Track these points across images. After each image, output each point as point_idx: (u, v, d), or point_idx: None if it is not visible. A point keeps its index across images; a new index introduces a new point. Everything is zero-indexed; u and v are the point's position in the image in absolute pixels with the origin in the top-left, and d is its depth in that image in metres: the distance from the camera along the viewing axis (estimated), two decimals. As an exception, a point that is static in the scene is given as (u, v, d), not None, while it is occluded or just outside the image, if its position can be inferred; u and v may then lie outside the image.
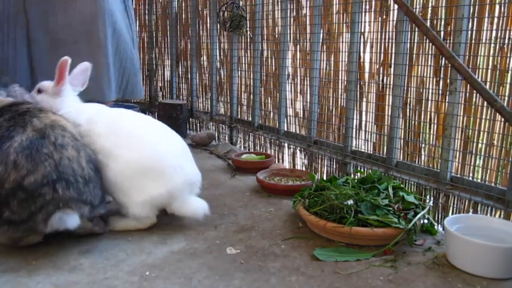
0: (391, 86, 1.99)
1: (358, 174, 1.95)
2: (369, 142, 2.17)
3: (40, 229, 1.36)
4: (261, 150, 2.84)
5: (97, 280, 1.29)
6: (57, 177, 1.36)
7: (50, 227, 1.35)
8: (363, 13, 2.10)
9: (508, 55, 1.62)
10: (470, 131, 1.75)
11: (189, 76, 3.47)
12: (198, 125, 3.48)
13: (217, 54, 3.17)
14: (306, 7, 2.46)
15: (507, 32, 1.62)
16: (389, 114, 2.00)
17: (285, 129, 2.65)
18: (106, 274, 1.32)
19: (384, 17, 2.05)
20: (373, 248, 1.49)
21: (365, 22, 2.11)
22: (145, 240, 1.55)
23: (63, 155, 1.40)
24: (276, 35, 2.68)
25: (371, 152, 2.14)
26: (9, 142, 1.37)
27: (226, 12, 2.80)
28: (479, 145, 1.74)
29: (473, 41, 1.71)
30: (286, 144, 2.66)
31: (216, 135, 3.21)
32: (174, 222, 1.70)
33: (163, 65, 3.78)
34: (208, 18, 3.22)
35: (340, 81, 2.28)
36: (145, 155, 1.57)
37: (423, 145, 1.95)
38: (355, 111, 2.19)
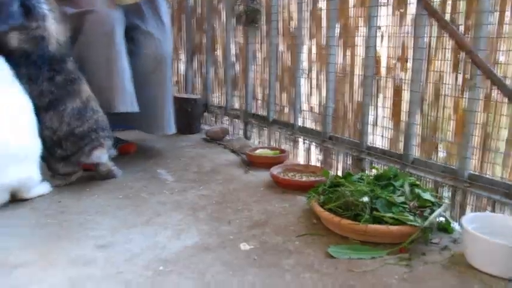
0: (409, 81, 1.97)
1: (374, 170, 1.92)
2: (385, 138, 2.14)
3: (83, 160, 2.00)
4: (276, 145, 2.83)
5: (111, 274, 1.29)
6: (97, 127, 2.00)
7: (91, 160, 2.01)
8: (380, 7, 2.07)
9: (530, 50, 1.58)
10: (490, 127, 1.72)
11: (204, 70, 3.47)
12: (213, 119, 3.48)
13: (232, 48, 3.16)
14: (322, 1, 2.43)
15: (529, 26, 1.58)
16: (406, 110, 1.97)
17: (300, 124, 2.63)
18: (120, 268, 1.33)
19: (402, 10, 2.01)
20: (388, 246, 1.47)
21: (382, 16, 2.07)
22: (159, 235, 1.55)
23: (99, 116, 2.04)
24: (292, 29, 2.65)
25: (387, 148, 2.11)
26: (63, 106, 1.94)
27: (241, 6, 2.79)
28: (499, 142, 1.70)
29: (494, 36, 1.67)
30: (300, 140, 2.65)
31: (231, 129, 3.20)
32: (188, 218, 1.70)
33: (178, 59, 3.78)
34: (223, 12, 3.20)
35: (356, 76, 2.25)
36: None
37: (440, 142, 1.92)
38: (371, 106, 2.17)
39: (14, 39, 1.88)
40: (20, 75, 1.88)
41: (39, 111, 1.91)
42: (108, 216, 1.71)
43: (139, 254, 1.41)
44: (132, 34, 2.33)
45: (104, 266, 1.34)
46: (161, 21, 2.44)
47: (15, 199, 1.81)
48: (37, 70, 1.91)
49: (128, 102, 2.21)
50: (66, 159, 1.97)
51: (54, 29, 1.96)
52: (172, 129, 2.56)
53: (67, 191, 1.96)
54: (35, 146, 1.84)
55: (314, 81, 2.55)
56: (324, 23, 2.41)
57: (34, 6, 1.90)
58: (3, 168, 1.70)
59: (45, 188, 1.92)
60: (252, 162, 2.41)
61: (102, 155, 2.04)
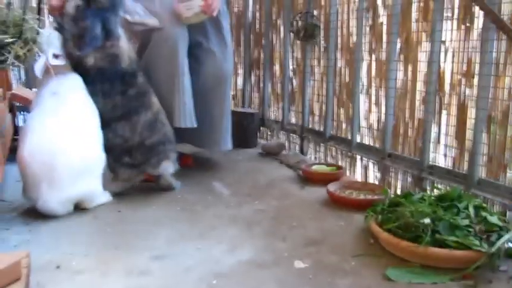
0: (475, 98, 1.88)
1: (436, 190, 1.84)
2: (448, 157, 2.05)
3: (149, 171, 2.08)
4: (332, 161, 2.78)
5: (166, 285, 1.31)
6: (165, 140, 2.09)
7: (157, 171, 2.10)
8: (444, 21, 2.00)
9: None
10: None
11: (261, 85, 3.49)
12: (269, 134, 3.49)
13: (290, 63, 3.16)
14: (383, 16, 2.38)
15: None
16: (472, 127, 1.88)
17: (358, 140, 2.58)
18: (175, 280, 1.34)
19: (468, 24, 1.93)
20: (450, 271, 1.39)
21: (446, 30, 2.00)
22: (214, 248, 1.56)
23: (167, 129, 2.13)
24: (351, 45, 2.62)
25: (450, 168, 2.02)
26: (137, 117, 2.04)
27: (300, 21, 2.79)
28: None
29: None
30: (358, 157, 2.59)
31: (287, 144, 3.19)
32: (242, 233, 1.70)
33: (236, 74, 3.83)
34: (281, 27, 3.22)
35: (417, 92, 2.18)
36: None
37: (509, 162, 1.81)
38: (434, 123, 2.08)
39: (91, 58, 1.98)
40: (95, 91, 1.98)
41: (111, 120, 2.01)
42: (165, 227, 1.74)
43: (193, 267, 1.42)
44: (194, 51, 2.39)
45: (159, 277, 1.36)
46: (224, 40, 2.50)
47: (79, 207, 1.88)
48: (111, 85, 2.02)
49: (187, 118, 2.27)
50: (132, 167, 2.06)
51: (126, 47, 2.07)
52: (228, 145, 2.59)
53: (126, 201, 2.02)
54: (100, 161, 1.92)
55: (373, 97, 2.49)
56: (384, 38, 2.36)
57: (113, 29, 2.01)
58: (70, 182, 1.79)
59: (106, 197, 1.99)
60: (308, 178, 2.38)
61: (168, 167, 2.11)
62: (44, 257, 1.47)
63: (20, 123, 3.34)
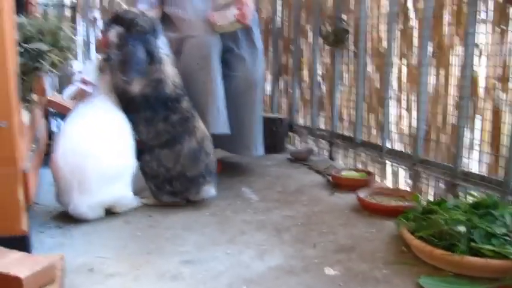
0: (510, 103, 1.82)
1: (470, 198, 1.79)
2: (482, 163, 1.99)
3: (191, 198, 2.05)
4: (362, 167, 2.75)
5: (196, 291, 1.32)
6: (206, 171, 2.04)
7: (199, 197, 2.05)
8: (478, 24, 1.95)
9: None
10: None
11: (290, 90, 3.48)
12: (298, 139, 3.48)
13: (319, 68, 3.15)
14: (414, 19, 2.35)
15: None
16: (508, 133, 1.83)
17: (388, 146, 2.54)
18: (205, 285, 1.35)
19: (503, 27, 1.89)
20: (486, 281, 1.35)
21: (480, 33, 1.96)
22: (243, 254, 1.56)
23: (210, 159, 2.07)
24: (381, 49, 2.59)
25: (485, 174, 1.97)
26: (180, 145, 2.00)
27: (329, 26, 2.77)
28: None
29: None
30: (389, 162, 2.55)
31: (316, 150, 3.17)
32: (272, 238, 1.70)
33: (264, 80, 3.83)
34: (310, 32, 3.21)
35: (450, 96, 2.14)
36: None
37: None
38: (467, 129, 2.04)
39: (137, 85, 2.00)
40: (138, 120, 2.01)
41: (155, 148, 2.01)
42: (194, 232, 1.75)
43: (223, 272, 1.42)
44: (225, 57, 2.41)
45: (189, 282, 1.37)
46: (254, 46, 2.51)
47: (110, 212, 1.91)
48: (153, 112, 2.00)
49: (221, 124, 2.29)
50: (173, 194, 2.04)
51: (170, 71, 2.06)
52: (259, 151, 2.60)
53: (156, 206, 2.04)
54: (130, 167, 1.95)
55: (404, 103, 2.45)
56: (415, 42, 2.33)
57: (155, 51, 2.03)
58: (100, 188, 1.82)
59: (136, 201, 2.02)
60: (337, 184, 2.36)
61: (210, 191, 2.07)
62: (77, 260, 1.50)
63: (54, 128, 3.43)
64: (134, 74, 1.97)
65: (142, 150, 2.03)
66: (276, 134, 3.14)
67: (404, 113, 2.46)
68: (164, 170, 2.00)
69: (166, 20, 2.41)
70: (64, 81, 3.73)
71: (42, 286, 1.20)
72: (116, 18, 2.07)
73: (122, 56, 1.99)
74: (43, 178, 2.17)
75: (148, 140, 2.02)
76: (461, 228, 1.43)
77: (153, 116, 2.01)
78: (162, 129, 2.01)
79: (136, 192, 2.04)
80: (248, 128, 2.52)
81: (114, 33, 2.03)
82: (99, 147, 1.85)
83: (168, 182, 2.01)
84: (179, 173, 2.00)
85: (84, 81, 2.08)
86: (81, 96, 2.04)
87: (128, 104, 2.01)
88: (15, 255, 1.28)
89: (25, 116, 1.78)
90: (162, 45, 2.08)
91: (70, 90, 2.09)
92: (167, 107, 2.02)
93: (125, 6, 2.05)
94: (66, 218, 1.83)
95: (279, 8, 3.56)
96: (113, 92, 2.02)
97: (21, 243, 1.39)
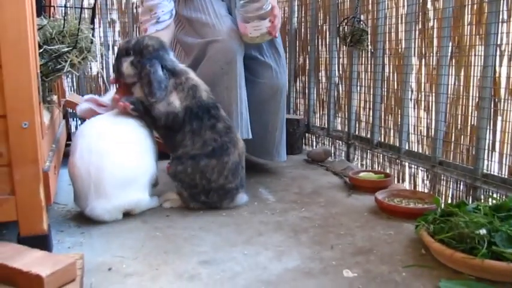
0: (533, 104, 1.79)
1: (491, 200, 1.76)
2: (504, 165, 1.96)
3: (224, 206, 2.03)
4: (380, 168, 2.73)
5: (214, 291, 1.32)
6: (239, 186, 2.04)
7: (232, 205, 2.04)
8: (500, 23, 1.92)
9: None
10: None
11: (307, 91, 3.47)
12: (315, 140, 3.46)
13: (336, 69, 3.13)
14: (433, 19, 2.32)
15: None
16: (530, 135, 1.80)
17: (407, 147, 2.52)
18: (222, 286, 1.35)
19: (525, 27, 1.85)
20: (508, 285, 1.33)
21: (502, 33, 1.92)
22: (260, 255, 1.56)
23: (243, 173, 2.08)
24: (399, 50, 2.56)
25: (505, 177, 1.93)
26: (227, 158, 1.98)
27: (346, 27, 2.76)
28: None
29: None
30: (407, 164, 2.52)
31: (333, 151, 3.15)
32: (289, 240, 1.69)
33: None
34: (327, 33, 3.20)
35: (470, 97, 2.10)
36: None
37: None
38: (488, 130, 2.00)
39: (176, 100, 1.97)
40: (183, 136, 1.97)
41: (201, 158, 1.95)
42: (212, 233, 1.76)
43: (240, 273, 1.42)
44: (250, 65, 2.42)
45: (207, 282, 1.37)
46: (278, 52, 2.54)
47: (127, 213, 1.93)
48: (199, 121, 1.97)
49: (244, 130, 2.29)
50: (205, 204, 2.02)
51: (198, 79, 2.05)
52: (282, 157, 2.61)
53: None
54: (147, 170, 1.94)
55: (423, 103, 2.42)
56: (435, 42, 2.30)
57: (173, 65, 2.02)
58: (116, 192, 1.83)
59: (154, 202, 2.02)
60: (355, 186, 2.34)
61: (243, 198, 2.08)
62: (96, 259, 1.51)
63: (73, 129, 3.47)
64: (160, 92, 1.93)
65: (179, 157, 1.99)
66: (292, 135, 3.14)
67: (423, 113, 2.43)
68: (206, 182, 1.97)
69: (184, 24, 2.42)
70: (82, 82, 3.79)
71: (63, 285, 1.21)
72: (122, 52, 2.03)
73: (145, 80, 1.95)
74: (62, 178, 2.20)
75: (193, 150, 1.97)
76: (483, 232, 1.40)
77: (200, 126, 1.97)
78: (209, 137, 1.97)
79: (156, 193, 2.06)
80: (271, 133, 2.53)
81: (127, 65, 2.01)
82: (116, 148, 1.85)
83: (205, 193, 1.99)
84: (219, 186, 1.98)
85: (98, 103, 2.10)
86: (91, 116, 2.04)
87: (173, 123, 1.98)
88: (37, 254, 1.30)
89: (46, 117, 1.80)
90: (175, 59, 2.07)
91: (81, 107, 2.10)
92: (211, 115, 1.99)
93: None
94: (85, 218, 1.85)
95: (295, 8, 3.55)
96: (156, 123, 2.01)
97: (42, 242, 1.41)
